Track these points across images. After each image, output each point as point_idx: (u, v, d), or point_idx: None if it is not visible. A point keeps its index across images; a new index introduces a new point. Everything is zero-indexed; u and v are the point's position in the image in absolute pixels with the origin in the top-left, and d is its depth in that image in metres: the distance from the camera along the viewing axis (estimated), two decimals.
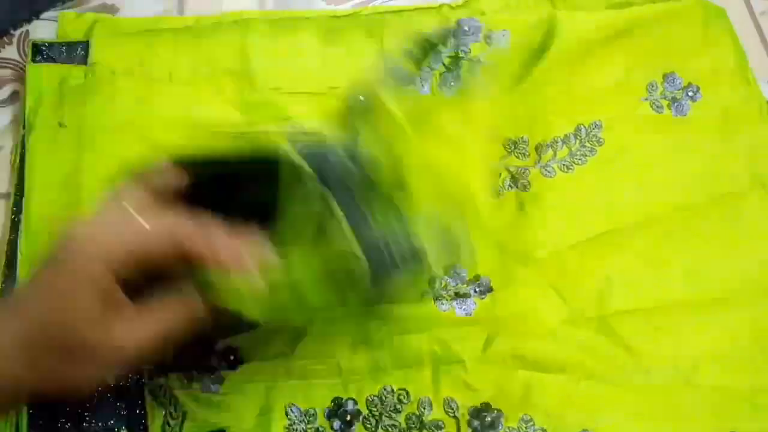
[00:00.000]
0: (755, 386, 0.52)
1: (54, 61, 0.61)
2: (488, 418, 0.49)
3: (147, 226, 0.37)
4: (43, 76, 0.60)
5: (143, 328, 0.37)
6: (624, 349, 0.52)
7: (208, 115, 0.58)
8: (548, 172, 0.59)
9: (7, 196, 0.56)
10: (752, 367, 0.52)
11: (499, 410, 0.49)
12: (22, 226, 0.54)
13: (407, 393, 0.50)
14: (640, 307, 0.54)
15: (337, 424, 0.49)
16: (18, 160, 0.57)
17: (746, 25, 0.68)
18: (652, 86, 0.63)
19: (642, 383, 0.51)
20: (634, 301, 0.54)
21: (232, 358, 0.50)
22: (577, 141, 0.60)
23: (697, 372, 0.52)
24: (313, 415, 0.49)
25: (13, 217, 0.55)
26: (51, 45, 0.61)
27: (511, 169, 0.59)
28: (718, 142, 0.61)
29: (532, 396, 0.49)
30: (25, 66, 0.61)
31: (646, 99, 0.62)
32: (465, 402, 0.50)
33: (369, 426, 0.49)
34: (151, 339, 0.37)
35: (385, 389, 0.50)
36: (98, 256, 0.35)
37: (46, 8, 0.63)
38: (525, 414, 0.49)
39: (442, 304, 0.53)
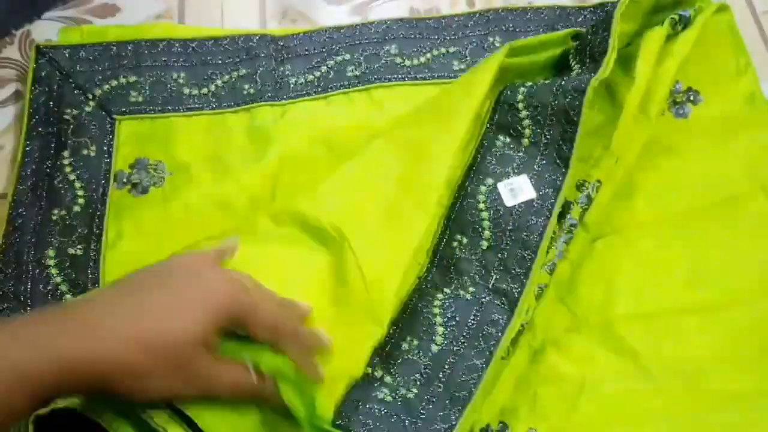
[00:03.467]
0: (760, 389, 0.52)
1: (58, 63, 0.60)
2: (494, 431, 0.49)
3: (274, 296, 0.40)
4: None
5: (224, 375, 0.38)
6: (628, 354, 0.52)
7: None
8: None
9: (5, 195, 0.56)
10: (756, 369, 0.52)
11: (504, 423, 0.49)
12: None
13: None
14: (643, 311, 0.54)
15: None
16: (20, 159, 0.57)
17: (748, 24, 0.68)
18: None
19: (646, 389, 0.51)
20: (637, 306, 0.54)
21: None
22: None
23: (701, 376, 0.52)
24: None
25: (9, 216, 0.55)
26: (55, 48, 0.61)
27: None
28: (719, 144, 0.61)
29: (538, 408, 0.50)
30: (26, 66, 0.61)
31: None
32: None
33: None
34: (227, 389, 0.38)
35: None
36: (228, 292, 0.37)
37: (48, 8, 0.62)
38: (531, 428, 0.49)
39: None
